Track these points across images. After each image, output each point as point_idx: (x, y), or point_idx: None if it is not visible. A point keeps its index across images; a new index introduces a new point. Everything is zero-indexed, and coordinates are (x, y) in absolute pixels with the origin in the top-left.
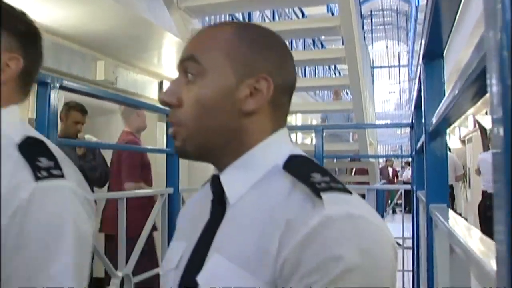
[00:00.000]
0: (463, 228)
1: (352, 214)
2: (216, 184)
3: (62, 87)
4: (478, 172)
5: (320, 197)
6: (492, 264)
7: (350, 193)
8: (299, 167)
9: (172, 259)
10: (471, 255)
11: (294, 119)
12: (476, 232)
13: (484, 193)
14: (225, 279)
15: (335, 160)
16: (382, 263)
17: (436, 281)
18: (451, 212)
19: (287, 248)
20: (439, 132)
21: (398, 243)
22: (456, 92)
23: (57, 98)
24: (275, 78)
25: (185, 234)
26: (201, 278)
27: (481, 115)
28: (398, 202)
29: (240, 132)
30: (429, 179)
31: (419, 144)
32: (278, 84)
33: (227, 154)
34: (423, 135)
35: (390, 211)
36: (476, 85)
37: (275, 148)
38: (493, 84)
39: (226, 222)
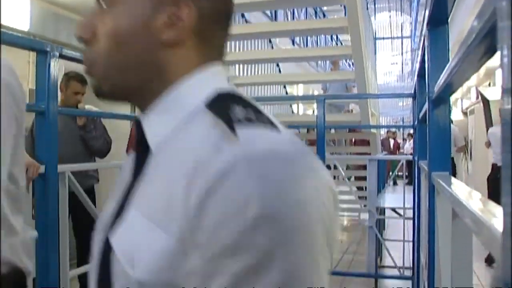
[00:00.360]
0: (466, 193)
1: (272, 152)
2: (139, 129)
3: (61, 56)
4: (488, 144)
5: (235, 133)
6: (498, 226)
7: (278, 129)
8: (222, 103)
9: (101, 221)
10: (475, 217)
11: (295, 90)
12: (479, 196)
13: (494, 166)
14: (138, 238)
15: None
16: (307, 209)
17: (437, 250)
18: (453, 179)
19: (192, 197)
20: (442, 99)
21: (399, 213)
22: (462, 53)
23: (57, 67)
24: (199, 4)
25: (115, 192)
26: (115, 239)
27: (484, 86)
28: (399, 174)
29: (160, 68)
30: (432, 147)
31: (421, 113)
32: (205, 11)
33: (148, 94)
34: (426, 103)
35: (391, 183)
36: (484, 44)
37: (200, 85)
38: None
39: (147, 172)
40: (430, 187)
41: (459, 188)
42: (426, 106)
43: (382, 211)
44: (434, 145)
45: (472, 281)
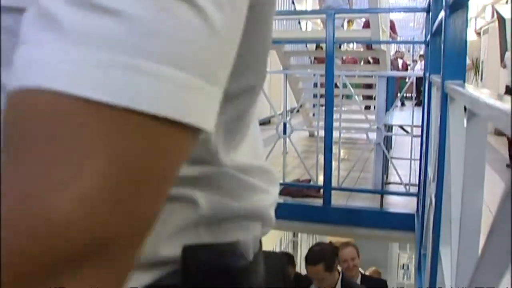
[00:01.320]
0: (482, 93)
1: None
2: None
3: None
4: (504, 65)
5: None
6: None
7: None
8: None
9: None
10: (494, 107)
11: (304, 5)
12: (495, 95)
13: (507, 87)
14: None
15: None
16: None
17: (448, 160)
18: (467, 85)
19: None
20: (460, 4)
21: (406, 131)
22: None
23: None
24: None
25: None
26: None
27: (501, 4)
28: (407, 95)
29: None
30: (447, 54)
31: (436, 25)
32: None
33: None
34: (442, 11)
35: (399, 104)
36: None
37: None
38: None
39: None
40: (443, 97)
41: (474, 90)
42: (442, 14)
43: (389, 129)
44: (449, 52)
45: (483, 188)
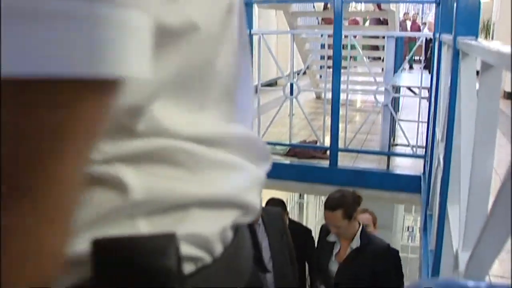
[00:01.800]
0: (496, 45)
1: None
2: None
3: None
4: None
5: None
6: None
7: None
8: None
9: None
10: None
11: None
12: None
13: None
14: None
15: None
16: None
17: (458, 122)
18: (480, 39)
19: None
20: None
21: (414, 92)
22: None
23: None
24: None
25: None
26: None
27: None
28: (415, 58)
29: None
30: (460, 11)
31: None
32: None
33: None
34: None
35: (407, 66)
36: None
37: None
38: None
39: None
40: (455, 54)
41: (488, 43)
42: None
43: (397, 91)
44: (462, 9)
45: (494, 144)
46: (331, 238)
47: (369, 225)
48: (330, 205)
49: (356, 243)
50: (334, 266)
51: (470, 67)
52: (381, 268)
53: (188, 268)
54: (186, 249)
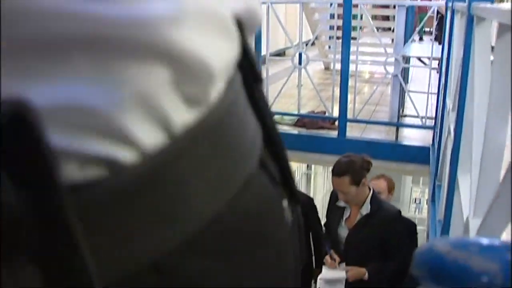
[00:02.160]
0: None
1: None
2: None
3: None
4: None
5: None
6: None
7: None
8: None
9: None
10: None
11: None
12: None
13: None
14: None
15: None
16: None
17: (471, 90)
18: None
19: None
20: None
21: (424, 62)
22: None
23: None
24: None
25: None
26: None
27: None
28: (426, 30)
29: None
30: None
31: None
32: None
33: None
34: None
35: (417, 38)
36: None
37: None
38: None
39: None
40: (469, 20)
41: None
42: None
43: (407, 61)
44: None
45: (509, 112)
46: (341, 203)
47: (382, 192)
48: (337, 171)
49: (366, 209)
50: (343, 231)
51: (485, 34)
52: (391, 235)
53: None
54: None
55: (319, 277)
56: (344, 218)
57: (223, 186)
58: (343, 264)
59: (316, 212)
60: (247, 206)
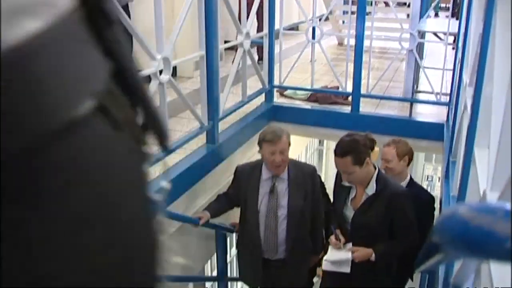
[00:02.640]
0: None
1: None
2: None
3: None
4: None
5: None
6: None
7: None
8: None
9: None
10: None
11: None
12: None
13: None
14: None
15: None
16: None
17: (490, 66)
18: None
19: None
20: None
21: (440, 37)
22: None
23: None
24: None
25: None
26: None
27: None
28: (442, 6)
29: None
30: None
31: None
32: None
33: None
34: None
35: (432, 14)
36: None
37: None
38: None
39: None
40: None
41: None
42: None
43: (423, 36)
44: None
45: None
46: (347, 182)
47: (392, 160)
48: (339, 151)
49: (371, 189)
50: (349, 212)
51: (507, 9)
52: (398, 214)
53: None
54: None
55: (324, 258)
56: (350, 199)
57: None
58: (349, 245)
59: (324, 188)
60: (71, 148)
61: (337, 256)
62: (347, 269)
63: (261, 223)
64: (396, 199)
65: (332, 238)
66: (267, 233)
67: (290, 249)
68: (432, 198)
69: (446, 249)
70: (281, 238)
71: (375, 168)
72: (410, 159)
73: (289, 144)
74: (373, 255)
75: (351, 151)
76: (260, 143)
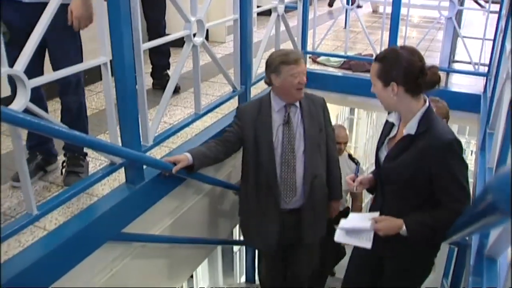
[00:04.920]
0: None
1: None
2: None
3: None
4: None
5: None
6: None
7: None
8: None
9: None
10: None
11: None
12: None
13: None
14: None
15: None
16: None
17: None
18: None
19: None
20: None
21: (481, 5)
22: None
23: None
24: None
25: None
26: None
27: None
28: None
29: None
30: None
31: None
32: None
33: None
34: None
35: None
36: None
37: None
38: None
39: None
40: None
41: None
42: None
43: (461, 4)
44: None
45: None
46: (391, 117)
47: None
48: (378, 54)
49: (411, 128)
50: (382, 153)
51: None
52: (440, 169)
53: None
54: None
55: (338, 226)
56: (388, 138)
57: None
58: (375, 214)
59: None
60: None
61: (353, 224)
62: (367, 244)
63: (277, 161)
64: (437, 148)
65: (348, 178)
66: (283, 171)
67: (309, 192)
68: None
69: (499, 208)
70: (299, 176)
71: (425, 103)
72: (447, 121)
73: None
74: (404, 227)
75: (383, 60)
76: (278, 68)
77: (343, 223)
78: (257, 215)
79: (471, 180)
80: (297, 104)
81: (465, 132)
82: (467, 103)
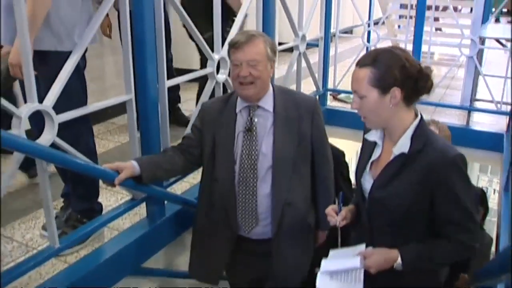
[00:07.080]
0: None
1: None
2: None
3: None
4: None
5: None
6: None
7: None
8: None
9: None
10: None
11: None
12: None
13: None
14: None
15: None
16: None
17: None
18: None
19: None
20: None
21: (503, 44)
22: None
23: None
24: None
25: None
26: None
27: None
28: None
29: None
30: None
31: None
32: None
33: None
34: None
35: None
36: None
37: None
38: None
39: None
40: None
41: None
42: None
43: (483, 43)
44: None
45: None
46: (371, 135)
47: None
48: (361, 59)
49: (402, 146)
50: (367, 181)
51: None
52: (444, 192)
53: None
54: None
55: (320, 269)
56: (371, 160)
57: None
58: (361, 246)
59: (347, 166)
60: None
61: (339, 264)
62: (357, 287)
63: (236, 179)
64: (439, 165)
65: (329, 209)
66: (241, 192)
67: (278, 224)
68: (483, 192)
69: None
70: (263, 202)
71: (417, 116)
72: None
73: (270, 56)
74: (399, 260)
75: (375, 61)
76: (229, 53)
77: (325, 265)
78: (207, 238)
79: (494, 219)
80: (268, 105)
81: (487, 171)
82: (489, 142)
